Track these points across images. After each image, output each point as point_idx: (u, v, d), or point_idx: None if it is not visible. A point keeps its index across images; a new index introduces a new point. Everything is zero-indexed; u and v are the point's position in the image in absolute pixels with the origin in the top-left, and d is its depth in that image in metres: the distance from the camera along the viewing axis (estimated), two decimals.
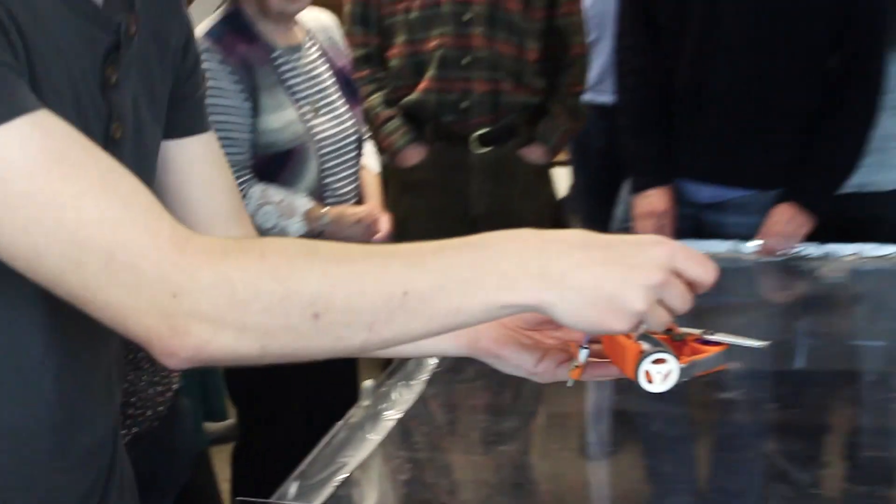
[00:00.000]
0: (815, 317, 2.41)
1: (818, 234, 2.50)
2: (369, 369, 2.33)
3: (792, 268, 2.51)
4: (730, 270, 2.40)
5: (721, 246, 2.47)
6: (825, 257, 2.50)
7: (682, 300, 0.87)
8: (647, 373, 0.92)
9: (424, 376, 1.83)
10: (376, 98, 2.88)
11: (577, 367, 1.02)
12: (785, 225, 2.47)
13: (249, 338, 0.86)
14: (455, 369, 1.91)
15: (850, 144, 2.50)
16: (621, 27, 2.65)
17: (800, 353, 2.28)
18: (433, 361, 1.88)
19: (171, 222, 0.86)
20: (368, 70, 2.86)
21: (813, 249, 2.49)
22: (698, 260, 0.89)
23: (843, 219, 2.56)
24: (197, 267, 0.84)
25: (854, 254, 2.46)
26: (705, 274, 0.89)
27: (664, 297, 0.88)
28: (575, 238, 0.90)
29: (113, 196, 0.84)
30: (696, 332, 1.00)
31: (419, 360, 1.87)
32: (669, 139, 2.55)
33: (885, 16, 2.50)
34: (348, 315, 0.87)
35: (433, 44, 2.84)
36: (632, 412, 2.01)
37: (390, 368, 1.81)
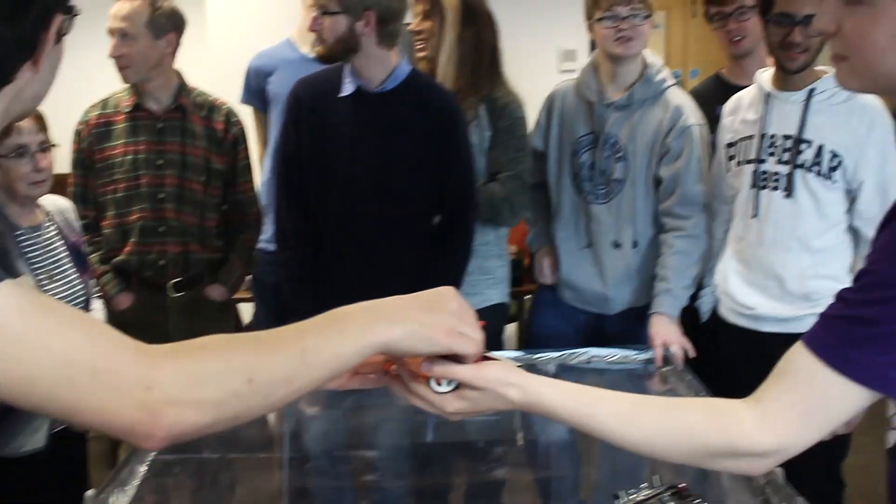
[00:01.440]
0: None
1: None
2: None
3: None
4: None
5: None
6: None
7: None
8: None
9: (136, 481, 1.96)
10: (94, 257, 3.13)
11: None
12: None
13: (207, 410, 0.99)
14: (164, 472, 2.08)
15: (452, 280, 2.70)
16: (277, 206, 2.90)
17: (438, 431, 2.47)
18: (143, 468, 2.02)
19: (130, 338, 0.99)
20: (88, 236, 3.08)
21: None
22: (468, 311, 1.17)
23: None
24: (161, 364, 0.98)
25: None
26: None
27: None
28: (396, 299, 1.15)
29: (83, 325, 0.97)
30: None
31: (131, 468, 2.00)
32: (321, 287, 2.74)
33: (473, 187, 2.88)
34: (271, 374, 1.04)
35: (135, 217, 3.19)
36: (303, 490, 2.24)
37: (108, 478, 1.92)
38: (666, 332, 2.83)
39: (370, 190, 2.77)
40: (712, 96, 3.32)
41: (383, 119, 2.77)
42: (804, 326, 2.80)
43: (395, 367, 1.23)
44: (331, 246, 2.82)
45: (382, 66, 2.77)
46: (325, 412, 2.71)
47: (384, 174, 2.77)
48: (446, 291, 1.19)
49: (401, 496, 2.24)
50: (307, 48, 3.52)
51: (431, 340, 1.12)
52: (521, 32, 5.29)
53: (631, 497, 1.80)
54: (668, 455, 1.27)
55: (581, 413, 1.23)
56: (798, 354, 1.21)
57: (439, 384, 1.19)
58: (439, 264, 2.81)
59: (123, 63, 3.10)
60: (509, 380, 1.21)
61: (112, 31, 3.09)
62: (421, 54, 3.11)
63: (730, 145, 2.94)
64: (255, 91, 3.55)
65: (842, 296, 1.21)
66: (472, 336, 1.16)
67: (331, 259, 2.81)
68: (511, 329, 3.38)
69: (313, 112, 2.80)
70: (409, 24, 3.06)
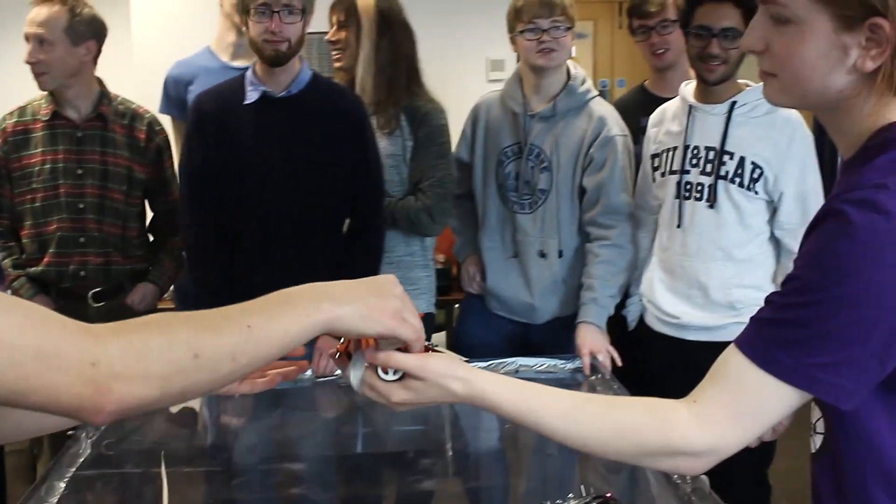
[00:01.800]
0: (365, 416, 2.62)
1: None
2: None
3: (341, 384, 2.65)
4: (294, 391, 2.70)
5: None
6: None
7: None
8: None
9: (55, 498, 1.91)
10: (7, 262, 3.14)
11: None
12: (327, 349, 2.61)
13: (153, 384, 0.99)
14: (85, 488, 2.03)
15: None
16: (186, 225, 2.84)
17: (367, 441, 2.54)
18: (62, 484, 1.96)
19: (73, 320, 0.99)
20: (2, 241, 3.14)
21: None
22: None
23: None
24: (105, 341, 0.98)
25: None
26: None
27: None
28: (341, 282, 1.17)
29: (21, 309, 0.96)
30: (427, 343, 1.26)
31: (50, 483, 1.94)
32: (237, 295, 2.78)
33: (381, 191, 2.90)
34: (217, 350, 1.04)
35: (53, 227, 3.14)
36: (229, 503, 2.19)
37: (26, 494, 1.87)
38: (593, 341, 2.84)
39: (282, 195, 2.77)
40: (636, 107, 3.36)
41: (291, 123, 2.78)
42: (728, 335, 2.84)
43: (350, 349, 1.26)
44: (245, 254, 2.81)
45: (288, 70, 2.77)
46: (250, 425, 2.69)
47: (295, 178, 2.77)
48: (390, 278, 1.22)
49: None
50: (227, 56, 3.53)
51: (377, 321, 1.14)
52: (451, 42, 5.31)
53: None
54: (607, 453, 1.28)
55: (522, 409, 1.25)
56: (731, 356, 1.23)
57: (385, 372, 1.22)
58: (354, 267, 2.78)
59: (40, 70, 3.04)
60: (454, 373, 1.24)
61: (28, 37, 3.04)
62: (338, 64, 3.11)
63: (654, 156, 2.97)
64: (175, 100, 3.50)
65: (770, 300, 1.23)
66: (414, 323, 1.19)
67: (246, 267, 2.80)
68: (439, 338, 3.37)
69: (219, 122, 2.78)
70: (326, 34, 3.07)
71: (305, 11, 2.71)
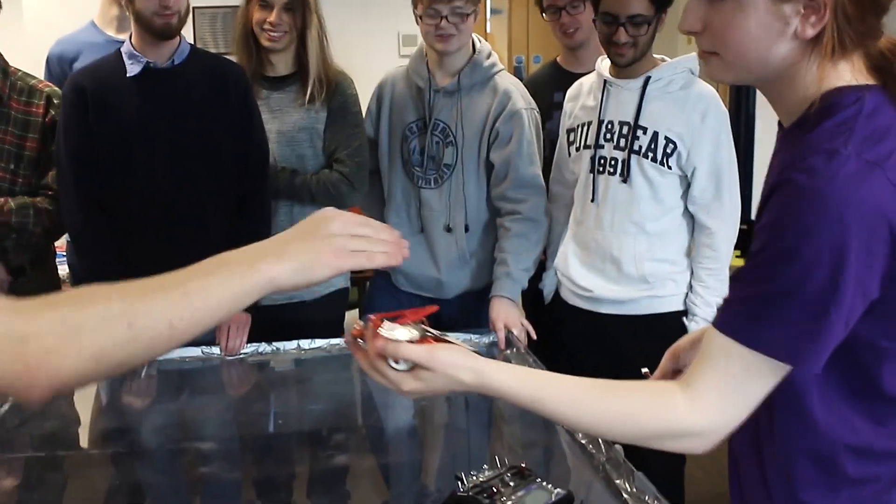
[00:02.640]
0: (276, 395, 2.67)
1: (269, 335, 2.79)
2: None
3: (250, 363, 2.75)
4: (201, 370, 2.72)
5: (195, 352, 2.70)
6: (275, 352, 2.77)
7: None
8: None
9: None
10: None
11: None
12: (234, 323, 2.72)
13: (86, 357, 0.98)
14: None
15: None
16: (67, 206, 2.73)
17: (278, 420, 2.51)
18: None
19: (3, 296, 0.99)
20: None
21: (265, 346, 2.77)
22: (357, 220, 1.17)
23: (284, 322, 2.92)
24: (35, 316, 0.97)
25: (296, 347, 2.78)
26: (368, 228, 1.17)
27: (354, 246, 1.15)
28: (275, 237, 1.19)
29: None
30: (437, 332, 1.32)
31: None
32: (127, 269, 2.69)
33: (267, 157, 2.85)
34: (152, 318, 1.02)
35: None
36: (136, 486, 2.11)
37: None
38: (507, 315, 2.82)
39: (170, 165, 2.72)
40: (549, 83, 3.35)
41: (178, 93, 2.73)
42: (641, 308, 2.89)
43: (364, 338, 1.29)
44: (135, 232, 2.74)
45: (171, 41, 2.72)
46: (156, 405, 2.63)
47: (184, 148, 2.73)
48: (324, 213, 1.19)
49: (237, 487, 2.14)
50: (112, 30, 3.47)
51: (321, 267, 1.13)
52: (364, 16, 5.26)
53: (473, 478, 1.77)
54: (614, 436, 1.31)
55: (529, 397, 1.28)
56: (714, 339, 1.23)
57: (396, 363, 1.24)
58: (245, 235, 2.74)
59: None
60: (463, 363, 1.27)
61: None
62: (276, 45, 2.99)
63: (570, 131, 2.95)
64: (59, 79, 3.29)
65: (739, 276, 1.23)
66: (368, 249, 1.17)
67: (138, 246, 2.73)
68: (352, 315, 3.33)
69: (99, 98, 2.70)
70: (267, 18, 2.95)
71: None
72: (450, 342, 1.30)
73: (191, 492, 2.12)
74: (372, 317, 1.29)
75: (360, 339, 1.33)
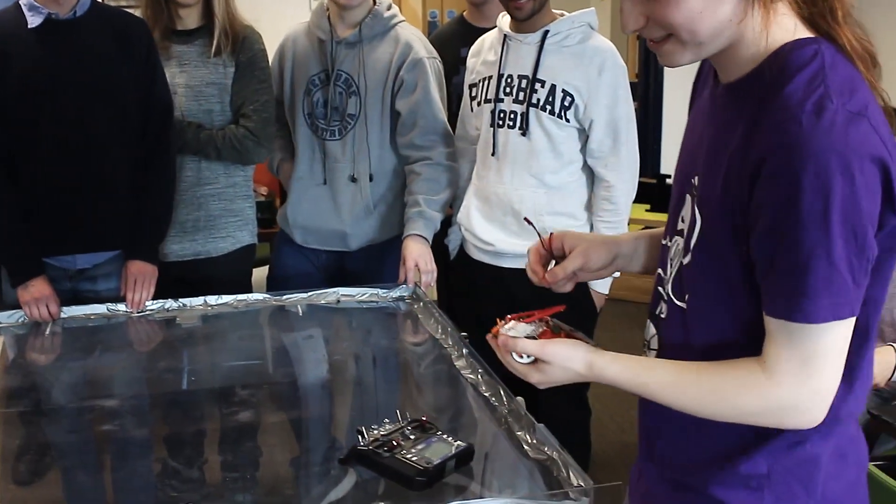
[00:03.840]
0: (184, 352, 2.61)
1: (175, 291, 2.78)
2: None
3: (157, 319, 2.73)
4: (107, 327, 2.69)
5: (100, 308, 2.69)
6: (182, 308, 2.75)
7: None
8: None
9: None
10: None
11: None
12: (139, 277, 2.71)
13: None
14: None
15: (164, 207, 2.82)
16: None
17: (183, 379, 2.47)
18: None
19: None
20: None
21: (171, 302, 2.74)
22: None
23: (191, 278, 2.92)
24: None
25: (202, 303, 2.76)
26: None
27: None
28: None
29: None
30: (567, 328, 1.44)
31: None
32: (31, 240, 2.66)
33: (171, 108, 2.80)
34: None
35: None
36: (45, 445, 2.09)
37: None
38: (419, 253, 2.84)
39: (75, 116, 2.66)
40: (456, 38, 3.35)
41: (80, 44, 2.66)
42: None
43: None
44: (40, 177, 2.68)
45: None
46: (61, 363, 2.58)
47: (87, 99, 2.67)
48: None
49: (147, 444, 2.11)
50: None
51: None
52: None
53: (374, 432, 1.79)
54: (713, 416, 1.30)
55: (635, 384, 1.34)
56: (770, 324, 1.23)
57: (521, 357, 1.36)
58: (150, 187, 2.80)
59: None
60: (574, 355, 1.35)
61: None
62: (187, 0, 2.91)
63: (472, 86, 2.95)
64: None
65: (765, 255, 1.22)
66: None
67: (43, 197, 2.69)
68: (262, 272, 3.30)
69: (1, 50, 2.61)
70: None
71: None
72: (576, 337, 1.40)
73: (100, 450, 2.09)
74: (509, 316, 1.43)
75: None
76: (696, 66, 1.47)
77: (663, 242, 1.46)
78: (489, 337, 1.44)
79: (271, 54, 3.12)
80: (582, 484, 1.59)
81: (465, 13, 3.51)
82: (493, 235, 2.86)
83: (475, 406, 2.09)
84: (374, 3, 2.98)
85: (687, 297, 1.35)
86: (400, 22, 3.01)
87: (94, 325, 2.70)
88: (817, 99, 1.15)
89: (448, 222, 3.06)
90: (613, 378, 1.34)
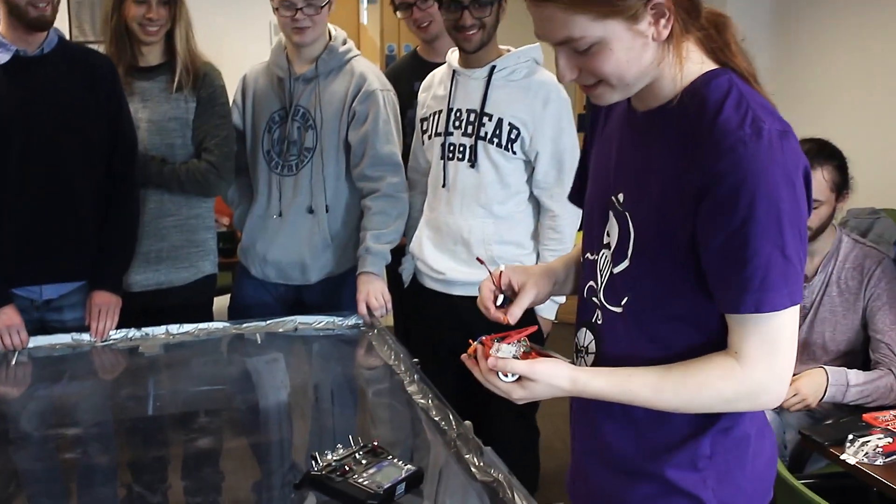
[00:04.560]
0: (148, 379, 2.64)
1: (139, 320, 2.81)
2: None
3: (120, 348, 2.74)
4: (72, 356, 2.70)
5: (65, 338, 2.72)
6: (144, 337, 2.78)
7: None
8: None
9: None
10: None
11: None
12: (104, 307, 2.75)
13: None
14: None
15: (128, 239, 2.85)
16: None
17: (148, 405, 2.48)
18: None
19: None
20: None
21: (134, 331, 2.78)
22: None
23: (154, 307, 2.95)
24: None
25: (164, 332, 2.80)
26: None
27: None
28: None
29: None
30: (538, 347, 1.49)
31: None
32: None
33: (135, 143, 2.83)
34: None
35: None
36: (12, 472, 2.06)
37: None
38: (370, 288, 2.89)
39: (41, 152, 2.68)
40: (409, 72, 3.40)
41: (47, 82, 2.69)
42: None
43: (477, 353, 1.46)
44: (6, 211, 2.69)
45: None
46: (28, 392, 2.59)
47: (54, 135, 2.69)
48: None
49: (112, 470, 2.13)
50: None
51: None
52: (234, 7, 5.21)
53: (327, 457, 1.83)
54: (697, 409, 1.41)
55: (620, 392, 1.40)
56: (728, 318, 1.37)
57: (506, 375, 1.41)
58: (114, 221, 2.84)
59: None
60: (560, 373, 1.40)
61: None
62: (153, 39, 2.95)
63: (423, 120, 3.00)
64: None
65: (727, 265, 1.32)
66: None
67: (6, 223, 2.69)
68: (223, 301, 3.32)
69: None
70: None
71: None
72: (550, 356, 1.47)
73: (66, 477, 2.09)
74: (484, 338, 1.47)
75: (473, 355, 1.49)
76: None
77: (589, 258, 1.57)
78: (465, 357, 1.49)
79: (232, 89, 3.16)
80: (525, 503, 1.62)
81: (417, 48, 3.57)
82: (444, 264, 2.91)
83: (426, 430, 2.13)
84: (330, 38, 3.03)
85: (624, 300, 1.46)
86: (355, 56, 3.05)
87: (59, 355, 2.71)
88: (752, 121, 1.28)
89: (402, 252, 3.11)
90: (598, 391, 1.40)
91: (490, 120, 2.80)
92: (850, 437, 2.27)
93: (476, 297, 2.84)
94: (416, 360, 2.47)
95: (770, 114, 1.32)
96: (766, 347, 1.33)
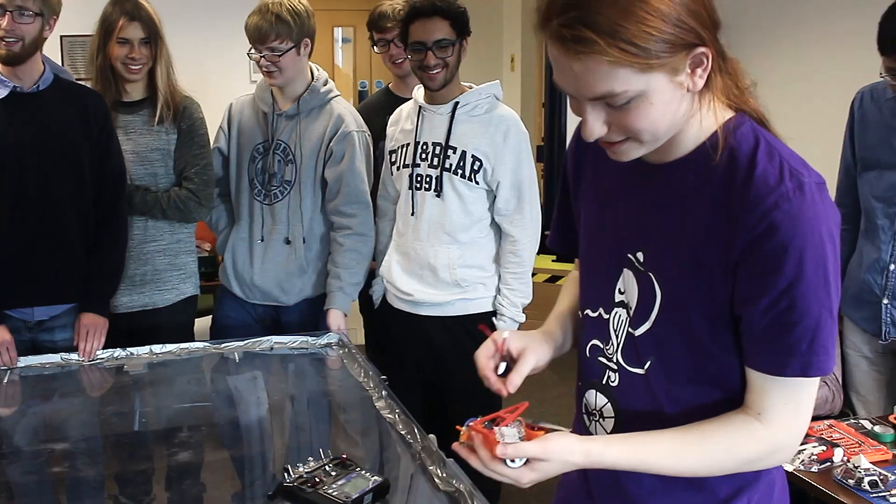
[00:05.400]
0: (133, 396, 2.65)
1: (124, 340, 2.85)
2: None
3: (107, 367, 2.78)
4: (61, 375, 2.72)
5: (54, 358, 2.75)
6: (129, 356, 2.82)
7: None
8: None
9: None
10: None
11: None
12: (91, 328, 2.79)
13: None
14: None
15: (115, 264, 2.91)
16: None
17: (135, 421, 2.51)
18: None
19: None
20: None
21: (120, 351, 2.81)
22: None
23: (138, 327, 3.00)
24: None
25: (148, 352, 2.83)
26: None
27: None
28: None
29: None
30: (532, 422, 1.32)
31: None
32: None
33: (124, 177, 2.89)
34: None
35: None
36: (4, 485, 2.07)
37: None
38: (339, 324, 3.01)
39: (35, 184, 2.73)
40: (381, 107, 3.47)
41: (42, 117, 2.75)
42: (455, 310, 3.02)
43: (472, 440, 1.29)
44: (2, 240, 2.74)
45: (35, 68, 2.74)
46: (19, 409, 2.62)
47: (47, 168, 2.74)
48: None
49: (100, 483, 2.17)
50: None
51: None
52: (215, 42, 5.27)
53: (299, 469, 1.88)
54: (716, 472, 1.31)
55: (635, 461, 1.28)
56: (754, 377, 1.27)
57: (513, 461, 1.25)
58: (103, 248, 2.87)
59: None
60: (572, 448, 1.27)
61: None
62: (135, 77, 3.01)
63: (392, 152, 3.08)
64: None
65: (773, 325, 1.23)
66: None
67: (2, 251, 2.74)
68: (204, 322, 3.38)
69: None
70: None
71: (43, 15, 2.66)
72: (549, 429, 1.32)
73: (56, 490, 2.13)
74: (472, 423, 1.32)
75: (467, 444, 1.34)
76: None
77: (591, 315, 1.46)
78: (457, 446, 1.35)
79: (214, 121, 3.23)
80: None
81: (390, 84, 3.64)
82: (412, 286, 2.98)
83: (393, 443, 2.18)
84: (313, 79, 3.12)
85: (648, 364, 1.34)
86: (335, 97, 3.14)
87: (49, 374, 2.75)
88: (790, 174, 1.19)
89: (373, 275, 3.18)
90: (614, 461, 1.28)
91: (454, 152, 2.89)
92: None
93: (441, 317, 2.93)
94: (384, 377, 2.53)
95: (803, 164, 1.22)
96: (790, 407, 1.25)
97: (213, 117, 3.22)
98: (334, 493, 1.80)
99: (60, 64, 4.86)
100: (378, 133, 3.27)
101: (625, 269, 1.36)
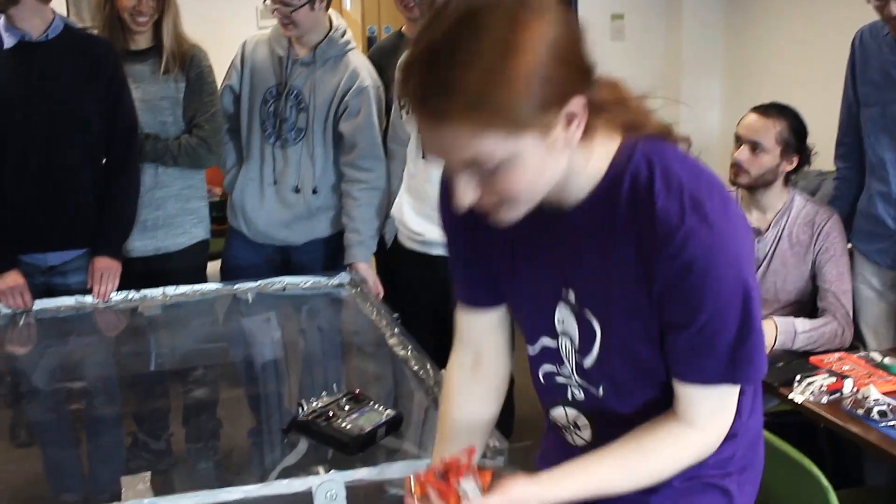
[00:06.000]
0: (147, 337, 2.70)
1: (138, 284, 2.84)
2: None
3: (121, 309, 2.78)
4: (76, 317, 2.73)
5: (69, 301, 2.73)
6: (143, 298, 2.81)
7: None
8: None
9: None
10: None
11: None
12: (105, 271, 2.76)
13: None
14: None
15: (128, 213, 2.86)
16: None
17: (151, 361, 2.52)
18: None
19: None
20: None
21: (134, 293, 2.80)
22: None
23: (152, 271, 2.97)
24: None
25: (161, 294, 2.82)
26: None
27: None
28: None
29: None
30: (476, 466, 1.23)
31: None
32: (4, 238, 2.69)
33: (136, 126, 2.84)
34: None
35: None
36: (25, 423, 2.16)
37: None
38: (364, 274, 2.98)
39: (45, 133, 2.70)
40: (394, 51, 3.40)
41: (51, 65, 2.69)
42: None
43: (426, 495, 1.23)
44: (9, 188, 2.71)
45: (42, 17, 2.68)
46: (37, 351, 2.63)
47: (57, 117, 2.70)
48: None
49: (118, 421, 2.18)
50: None
51: None
52: None
53: (313, 404, 1.87)
54: (664, 479, 1.30)
55: (587, 490, 1.25)
56: (682, 389, 1.25)
57: None
58: (114, 197, 2.83)
59: None
60: (529, 491, 1.22)
61: None
62: (142, 29, 2.96)
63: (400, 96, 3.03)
64: None
65: (702, 346, 1.21)
66: None
67: (14, 199, 2.72)
68: (216, 265, 3.36)
69: None
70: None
71: None
72: (490, 469, 1.26)
73: (75, 426, 2.16)
74: (421, 475, 1.24)
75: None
76: None
77: (533, 351, 1.40)
78: (409, 501, 1.25)
79: (221, 68, 3.18)
80: (498, 444, 1.63)
81: (403, 27, 3.57)
82: (423, 227, 2.94)
83: (406, 379, 2.17)
84: (331, 28, 3.05)
85: (601, 388, 1.32)
86: (351, 49, 3.07)
87: (64, 316, 2.74)
88: (692, 205, 1.12)
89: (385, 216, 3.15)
90: (570, 496, 1.24)
91: None
92: (798, 377, 2.32)
93: None
94: (396, 315, 2.51)
95: (703, 183, 1.15)
96: (718, 411, 1.26)
97: (220, 65, 3.18)
98: (348, 427, 1.79)
99: (66, 13, 4.80)
100: (391, 77, 3.21)
101: (560, 302, 1.30)
